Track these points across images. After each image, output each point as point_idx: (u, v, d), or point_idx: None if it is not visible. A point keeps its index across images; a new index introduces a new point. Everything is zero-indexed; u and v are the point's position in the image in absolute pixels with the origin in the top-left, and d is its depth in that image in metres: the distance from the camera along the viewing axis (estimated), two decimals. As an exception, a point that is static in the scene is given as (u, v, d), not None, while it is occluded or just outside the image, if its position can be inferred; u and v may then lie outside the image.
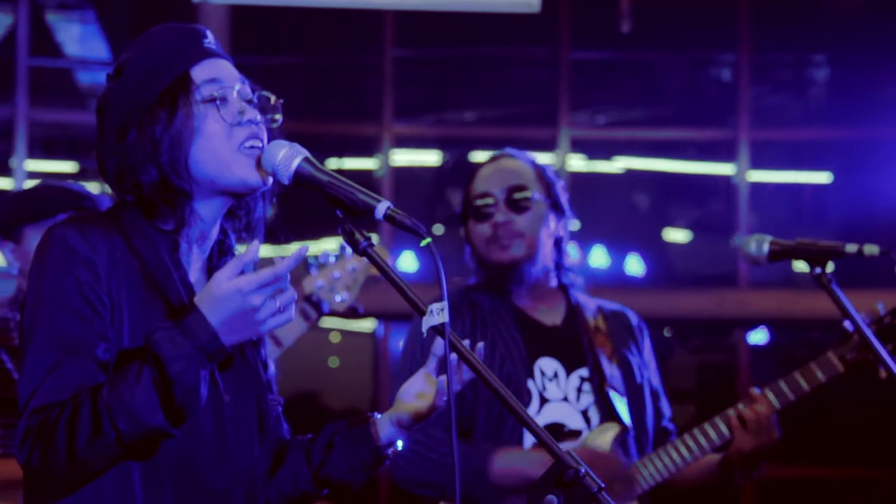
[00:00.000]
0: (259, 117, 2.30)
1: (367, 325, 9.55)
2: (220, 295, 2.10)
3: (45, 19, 9.11)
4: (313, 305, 3.60)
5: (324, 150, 9.48)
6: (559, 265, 3.65)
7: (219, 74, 2.29)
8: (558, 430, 3.54)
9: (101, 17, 9.23)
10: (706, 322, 9.48)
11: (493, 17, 8.34)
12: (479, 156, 9.75)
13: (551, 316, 3.63)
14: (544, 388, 3.57)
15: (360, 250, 2.23)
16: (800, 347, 10.19)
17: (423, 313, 2.18)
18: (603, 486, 2.10)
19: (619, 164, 9.93)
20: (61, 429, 2.08)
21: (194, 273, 2.29)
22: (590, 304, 3.67)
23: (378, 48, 9.09)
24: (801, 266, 2.96)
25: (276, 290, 2.12)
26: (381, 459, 2.39)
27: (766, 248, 3.01)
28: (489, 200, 3.56)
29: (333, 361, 10.95)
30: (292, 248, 3.72)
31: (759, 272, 8.89)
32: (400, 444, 2.40)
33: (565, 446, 3.49)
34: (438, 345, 2.39)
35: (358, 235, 2.22)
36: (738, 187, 9.19)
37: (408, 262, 9.17)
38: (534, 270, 3.57)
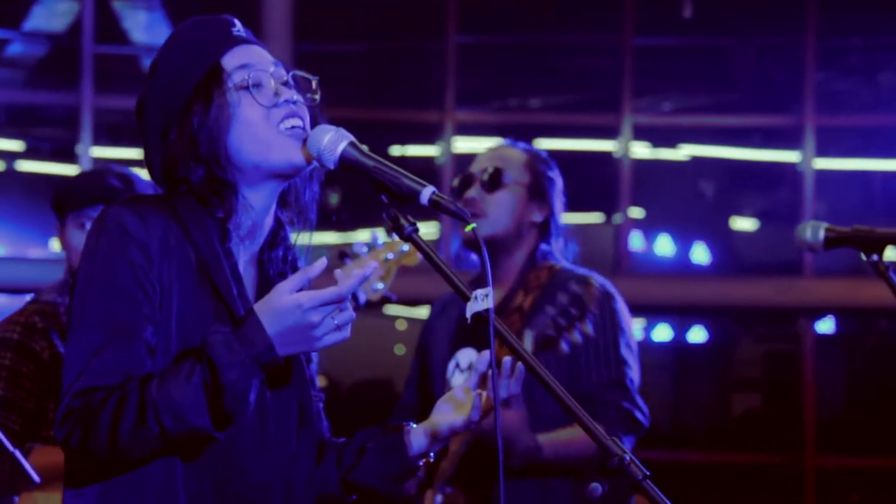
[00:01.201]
0: (296, 97, 2.29)
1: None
2: (281, 307, 2.10)
3: (111, 6, 9.19)
4: (351, 303, 3.61)
5: (386, 136, 9.50)
6: (540, 249, 3.65)
7: (250, 59, 2.28)
8: None
9: (166, 4, 9.30)
10: (770, 310, 9.41)
11: (556, 2, 8.32)
12: (542, 142, 9.72)
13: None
14: (452, 379, 3.63)
15: (405, 235, 2.21)
16: (869, 336, 10.09)
17: (467, 299, 2.16)
18: (648, 473, 2.08)
19: (684, 152, 9.87)
20: (106, 414, 2.09)
21: (243, 264, 2.30)
22: (539, 279, 3.63)
23: (441, 35, 9.08)
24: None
25: (335, 308, 2.12)
26: (411, 470, 2.36)
27: (821, 234, 2.95)
28: (469, 181, 3.64)
29: (399, 349, 10.99)
30: (357, 236, 3.74)
31: (825, 261, 8.81)
32: (432, 455, 2.39)
33: None
34: (482, 360, 2.37)
35: (403, 221, 2.20)
36: (804, 175, 9.10)
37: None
38: (497, 251, 3.59)
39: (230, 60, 2.28)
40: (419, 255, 3.74)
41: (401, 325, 11.00)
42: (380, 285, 3.68)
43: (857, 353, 10.05)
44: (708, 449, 9.65)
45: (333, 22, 9.04)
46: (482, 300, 2.16)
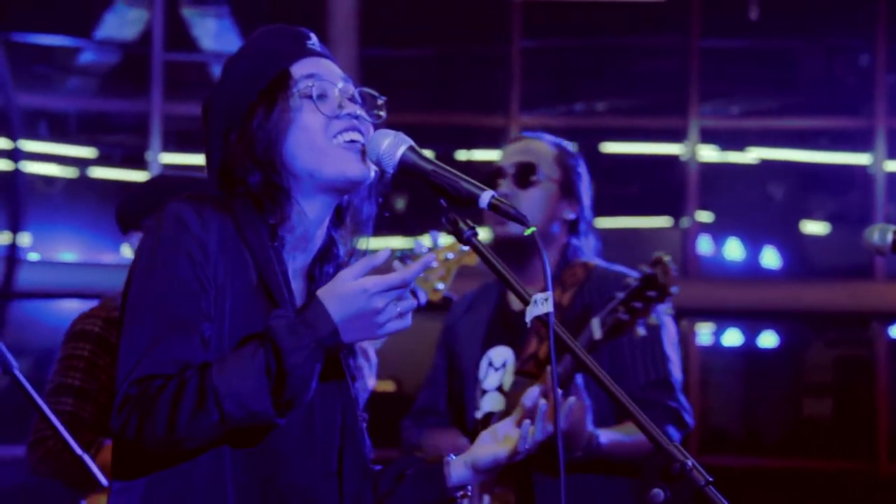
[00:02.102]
0: (360, 112, 2.28)
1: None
2: (345, 292, 2.09)
3: (180, 15, 9.27)
4: (410, 294, 3.60)
5: (452, 141, 9.51)
6: (567, 244, 3.61)
7: (319, 71, 2.29)
8: (489, 420, 3.50)
9: (235, 12, 9.37)
10: (842, 315, 9.30)
11: (621, 6, 8.29)
12: (608, 146, 9.68)
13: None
14: (485, 378, 3.57)
15: (463, 239, 2.20)
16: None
17: (526, 302, 2.15)
18: (711, 479, 2.05)
19: (752, 155, 9.79)
20: (164, 401, 2.08)
21: (292, 272, 2.30)
22: (575, 276, 3.58)
23: (506, 39, 9.08)
24: None
25: (399, 295, 2.12)
26: (449, 501, 2.35)
27: (889, 237, 2.91)
28: (498, 173, 3.56)
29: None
30: (422, 240, 3.73)
31: (898, 264, 8.72)
32: (470, 488, 2.37)
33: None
34: (530, 396, 2.38)
35: (462, 224, 2.19)
36: (875, 177, 9.00)
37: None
38: (532, 249, 3.55)
39: (299, 69, 2.28)
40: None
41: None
42: (440, 285, 3.67)
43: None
44: (778, 455, 9.56)
45: (398, 27, 9.06)
46: (542, 304, 2.14)
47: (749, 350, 10.06)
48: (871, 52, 9.12)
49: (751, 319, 9.55)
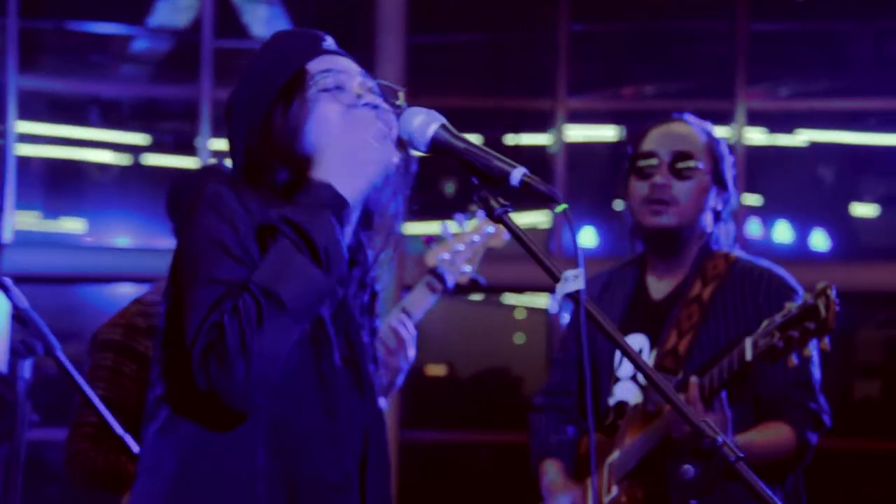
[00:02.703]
0: (380, 101, 2.28)
1: (545, 300, 9.55)
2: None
3: (231, 2, 9.30)
4: (437, 278, 3.59)
5: (500, 125, 9.48)
6: (709, 237, 3.54)
7: (336, 66, 2.31)
8: (622, 409, 3.49)
9: (285, 1, 9.38)
10: (892, 296, 9.21)
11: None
12: (656, 130, 9.63)
13: (663, 288, 3.54)
14: (619, 366, 3.52)
15: (495, 217, 2.20)
16: None
17: (557, 280, 2.14)
18: (742, 455, 2.04)
19: (801, 137, 9.70)
20: (229, 328, 2.08)
21: None
22: (717, 269, 3.51)
23: (553, 23, 9.04)
24: None
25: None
26: None
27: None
28: (653, 161, 3.48)
29: (519, 338, 10.99)
30: (448, 224, 3.72)
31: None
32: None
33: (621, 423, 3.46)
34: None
35: (493, 202, 2.19)
36: (924, 159, 8.91)
37: (589, 237, 9.14)
38: (679, 241, 3.48)
39: (316, 65, 2.31)
40: (505, 238, 3.70)
41: (520, 315, 10.98)
42: (467, 268, 3.66)
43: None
44: (829, 435, 9.46)
45: (446, 13, 9.04)
46: (573, 281, 2.13)
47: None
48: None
49: (801, 302, 9.46)
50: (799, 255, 9.35)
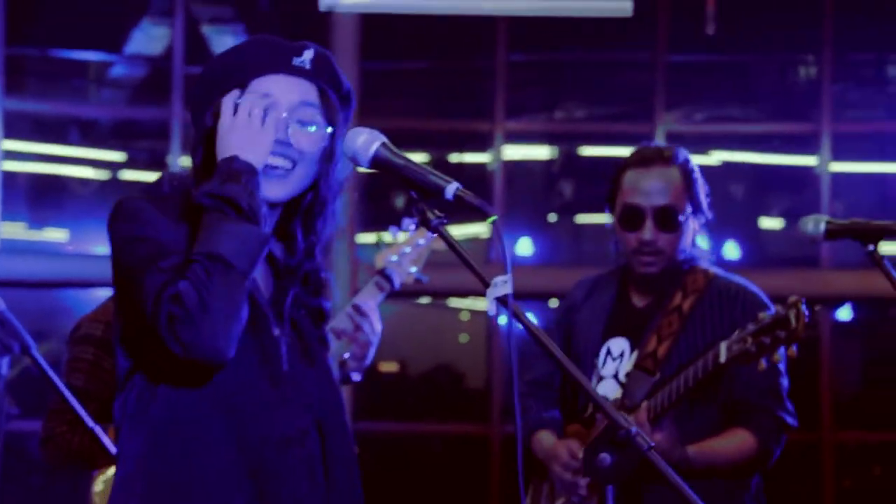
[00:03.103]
0: (294, 141, 2.24)
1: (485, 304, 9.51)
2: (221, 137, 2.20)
3: (200, 32, 9.24)
4: (386, 278, 3.57)
5: (444, 145, 9.47)
6: (691, 253, 3.52)
7: (276, 92, 2.25)
8: None
9: (249, 30, 9.34)
10: (793, 300, 9.25)
11: (595, 23, 8.25)
12: (585, 150, 9.65)
13: (645, 297, 3.52)
14: (603, 366, 3.50)
15: (431, 227, 2.18)
16: (883, 323, 9.92)
17: (487, 286, 2.12)
18: (653, 444, 2.02)
19: (715, 158, 9.76)
20: (186, 295, 2.06)
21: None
22: (697, 283, 3.48)
23: (492, 53, 9.04)
24: (884, 248, 2.83)
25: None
26: None
27: (822, 227, 2.90)
28: (639, 213, 3.46)
29: (463, 338, 10.97)
30: (396, 228, 3.69)
31: (844, 255, 8.68)
32: None
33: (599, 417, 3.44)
34: None
35: (430, 214, 2.17)
36: (821, 178, 8.97)
37: (525, 247, 9.13)
38: (663, 275, 3.46)
39: (259, 84, 2.25)
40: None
41: (464, 317, 10.96)
42: (413, 269, 3.64)
43: (873, 338, 9.88)
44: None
45: (395, 41, 9.03)
46: (501, 286, 2.11)
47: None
48: (818, 65, 9.09)
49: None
50: (713, 263, 9.38)
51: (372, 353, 3.52)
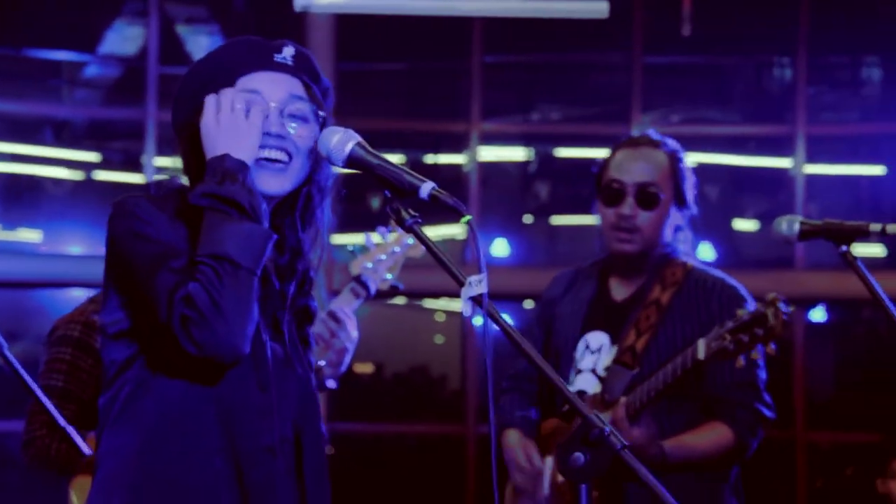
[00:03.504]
0: (288, 133, 2.24)
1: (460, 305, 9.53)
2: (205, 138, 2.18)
3: (174, 32, 9.23)
4: (361, 285, 3.56)
5: (420, 146, 9.48)
6: (668, 247, 3.51)
7: (263, 88, 2.24)
8: (581, 397, 3.45)
9: (224, 30, 9.32)
10: (767, 301, 9.31)
11: (571, 25, 8.27)
12: (560, 151, 9.67)
13: (624, 291, 3.52)
14: (582, 360, 3.49)
15: (406, 227, 2.16)
16: (856, 325, 9.98)
17: (461, 285, 2.11)
18: (626, 444, 2.02)
19: (690, 159, 9.77)
20: (197, 296, 2.06)
21: None
22: (675, 275, 3.49)
23: (468, 54, 9.05)
24: (858, 249, 2.84)
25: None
26: None
27: (796, 227, 2.89)
28: (619, 190, 3.43)
29: (438, 338, 10.98)
30: (371, 235, 3.69)
31: (818, 256, 8.72)
32: None
33: None
34: None
35: (404, 213, 2.15)
36: (796, 179, 9.02)
37: (501, 248, 9.14)
38: (643, 261, 3.46)
39: (246, 82, 2.25)
40: (423, 249, 3.68)
41: (439, 318, 10.98)
42: (388, 275, 3.63)
43: (846, 339, 9.95)
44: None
45: (371, 43, 9.03)
46: (476, 285, 2.10)
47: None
48: (793, 68, 9.14)
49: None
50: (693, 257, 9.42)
51: (348, 360, 3.52)
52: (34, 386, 2.93)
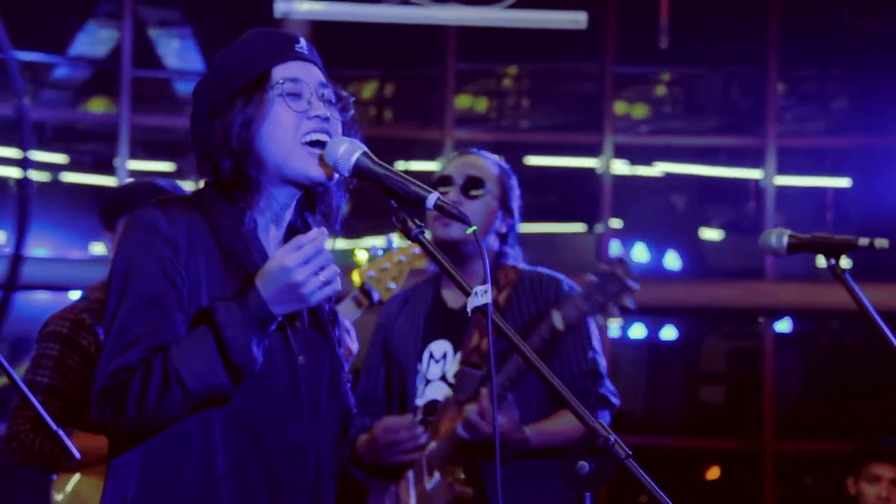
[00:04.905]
0: (329, 114, 2.26)
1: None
2: (270, 271, 2.10)
3: (147, 34, 9.19)
4: (365, 294, 3.58)
5: (393, 153, 9.49)
6: (500, 253, 3.64)
7: (299, 74, 2.26)
8: (433, 407, 3.56)
9: (197, 33, 9.29)
10: (735, 311, 9.39)
11: (544, 34, 8.30)
12: (532, 159, 9.71)
13: (459, 299, 3.61)
14: (428, 370, 3.59)
15: (412, 237, 2.19)
16: (822, 336, 10.07)
17: (468, 294, 2.14)
18: (631, 453, 2.05)
19: (659, 169, 9.86)
20: (134, 387, 2.08)
21: (272, 249, 2.28)
22: (508, 276, 3.61)
23: (442, 62, 9.07)
24: (823, 261, 2.88)
25: (319, 266, 2.11)
26: None
27: (785, 240, 2.92)
28: (449, 184, 3.59)
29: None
30: (364, 243, 3.71)
31: (785, 267, 8.80)
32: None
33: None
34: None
35: (410, 223, 2.18)
36: (766, 190, 9.10)
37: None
38: (466, 251, 3.56)
39: (281, 71, 2.26)
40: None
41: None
42: (392, 285, 3.65)
43: (812, 350, 10.04)
44: (677, 435, 9.63)
45: (347, 51, 9.03)
46: (482, 296, 2.13)
47: (652, 342, 10.13)
48: (764, 80, 9.23)
49: (654, 315, 9.61)
50: (654, 274, 9.48)
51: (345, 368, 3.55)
52: (22, 384, 2.93)
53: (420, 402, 3.59)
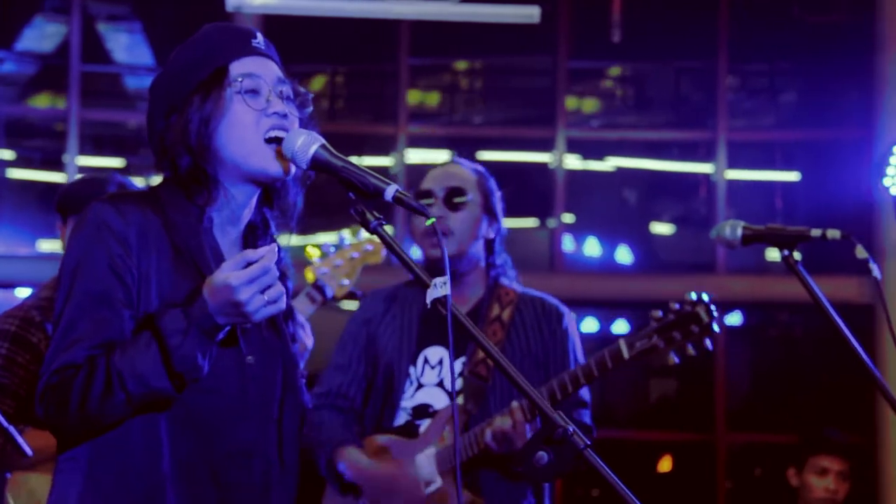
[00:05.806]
0: (287, 111, 2.25)
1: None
2: (216, 285, 2.08)
3: (96, 29, 9.10)
4: (318, 290, 3.57)
5: (346, 148, 9.47)
6: (490, 263, 3.65)
7: (257, 70, 2.25)
8: (424, 410, 3.56)
9: (146, 28, 9.22)
10: (686, 305, 9.43)
11: (497, 28, 8.32)
12: (484, 154, 9.73)
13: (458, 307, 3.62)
14: (422, 374, 3.58)
15: (370, 229, 2.18)
16: (771, 328, 10.16)
17: (426, 286, 2.14)
18: (589, 443, 2.07)
19: (610, 163, 9.90)
20: (77, 387, 2.07)
21: (228, 247, 2.26)
22: (509, 296, 3.63)
23: (395, 57, 9.06)
24: (773, 255, 2.92)
25: (265, 285, 2.08)
26: None
27: (739, 232, 2.96)
28: (430, 199, 3.58)
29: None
30: (319, 238, 3.70)
31: (735, 261, 8.87)
32: None
33: (423, 423, 3.54)
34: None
35: (369, 215, 2.17)
36: (717, 184, 9.17)
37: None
38: (461, 266, 3.57)
39: (238, 67, 2.25)
40: (382, 254, 3.71)
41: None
42: (345, 281, 3.64)
43: (761, 343, 10.13)
44: (629, 427, 9.69)
45: (299, 45, 9.00)
46: (441, 287, 2.14)
47: (604, 336, 10.17)
48: (713, 74, 9.29)
49: (606, 309, 9.65)
50: (606, 268, 9.53)
51: (301, 365, 3.53)
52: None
53: (407, 404, 3.57)
